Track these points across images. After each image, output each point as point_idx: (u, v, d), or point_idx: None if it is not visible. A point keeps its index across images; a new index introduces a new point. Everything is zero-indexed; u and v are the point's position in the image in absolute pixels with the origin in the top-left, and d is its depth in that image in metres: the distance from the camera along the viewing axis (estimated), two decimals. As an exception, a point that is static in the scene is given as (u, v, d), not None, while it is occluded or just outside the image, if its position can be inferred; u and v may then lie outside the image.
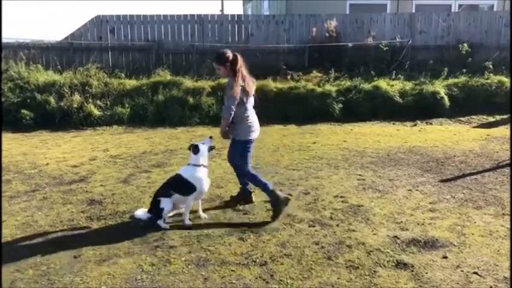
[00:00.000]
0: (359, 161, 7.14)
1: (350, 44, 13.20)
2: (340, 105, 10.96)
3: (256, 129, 5.03)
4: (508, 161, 6.99)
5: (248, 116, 4.89)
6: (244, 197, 5.26)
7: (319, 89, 11.23)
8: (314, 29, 13.45)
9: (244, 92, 4.78)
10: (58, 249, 4.08)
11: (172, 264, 3.80)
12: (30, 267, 3.77)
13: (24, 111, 10.13)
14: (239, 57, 4.78)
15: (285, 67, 12.40)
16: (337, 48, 13.08)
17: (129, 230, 4.52)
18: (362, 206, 5.15)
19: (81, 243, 4.19)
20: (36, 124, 10.03)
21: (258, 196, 5.28)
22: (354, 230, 4.47)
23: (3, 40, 12.73)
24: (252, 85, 4.93)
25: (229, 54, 4.77)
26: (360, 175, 6.35)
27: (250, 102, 4.96)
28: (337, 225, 4.60)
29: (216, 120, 10.27)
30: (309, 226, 4.59)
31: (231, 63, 4.75)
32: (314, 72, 12.25)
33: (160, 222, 4.57)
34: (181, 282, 3.53)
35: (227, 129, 4.87)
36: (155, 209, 4.61)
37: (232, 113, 4.71)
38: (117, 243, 4.21)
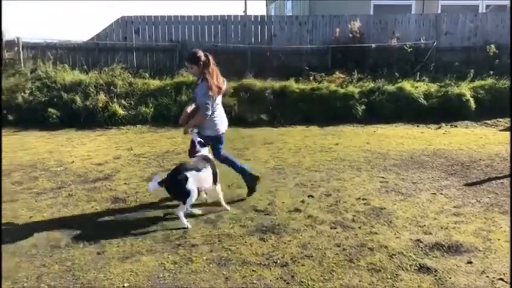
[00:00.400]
0: (382, 163, 7.06)
1: (373, 45, 13.07)
2: (363, 106, 10.87)
3: (222, 123, 5.38)
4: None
5: (215, 112, 5.18)
6: (251, 182, 5.49)
7: (341, 90, 11.15)
8: (337, 30, 13.37)
9: (219, 91, 5.12)
10: (82, 246, 4.17)
11: (193, 263, 3.84)
12: (55, 262, 3.86)
13: (51, 110, 10.35)
14: (210, 57, 5.06)
15: (307, 68, 12.36)
16: (360, 49, 12.97)
17: (151, 228, 4.58)
18: (384, 208, 5.10)
19: (105, 240, 4.26)
20: (63, 123, 10.23)
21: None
22: (376, 233, 4.43)
23: (33, 40, 13.06)
24: (223, 84, 5.25)
25: (201, 54, 5.05)
26: (382, 177, 6.29)
27: (219, 99, 5.30)
28: (359, 228, 4.56)
29: (237, 120, 10.31)
30: (331, 228, 4.57)
31: (204, 62, 5.01)
32: (337, 73, 12.17)
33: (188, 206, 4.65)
34: (202, 281, 3.56)
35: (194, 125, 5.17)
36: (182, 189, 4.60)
37: (209, 112, 5.03)
38: (140, 240, 4.28)
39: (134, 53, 13.27)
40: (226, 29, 13.62)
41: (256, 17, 14.08)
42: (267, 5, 25.64)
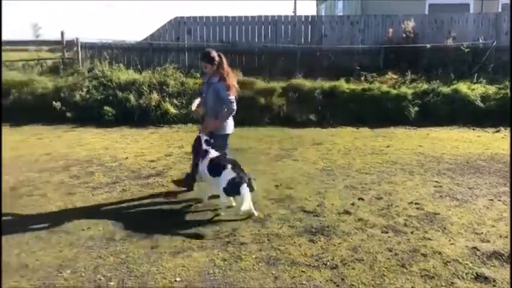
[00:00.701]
0: (435, 167, 6.84)
1: (428, 45, 12.66)
2: (416, 108, 10.55)
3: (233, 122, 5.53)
4: None
5: None
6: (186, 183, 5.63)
7: (394, 91, 10.89)
8: (390, 30, 13.08)
9: (235, 90, 5.29)
10: (136, 240, 4.30)
11: (243, 261, 3.87)
12: (111, 254, 4.01)
13: (106, 107, 10.73)
14: (223, 58, 5.24)
15: (358, 68, 12.16)
16: (414, 49, 12.61)
17: (202, 224, 4.66)
18: (438, 214, 4.93)
19: (158, 235, 4.38)
20: (117, 120, 10.58)
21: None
22: (429, 239, 4.29)
23: (91, 41, 13.62)
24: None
25: (215, 54, 5.21)
26: (436, 182, 6.08)
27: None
28: (412, 233, 4.44)
29: (286, 121, 10.31)
30: (382, 232, 4.47)
31: (218, 63, 5.19)
32: (389, 73, 11.90)
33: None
34: (252, 279, 3.58)
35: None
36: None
37: (235, 108, 5.23)
38: (191, 237, 4.36)
39: (186, 53, 13.55)
40: (276, 29, 13.64)
41: (306, 17, 14.02)
42: (317, 5, 25.47)
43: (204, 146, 5.16)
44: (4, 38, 13.95)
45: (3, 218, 4.80)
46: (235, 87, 5.27)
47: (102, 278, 3.61)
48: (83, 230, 4.55)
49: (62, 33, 13.28)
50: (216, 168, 4.88)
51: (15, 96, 11.06)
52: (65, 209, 5.14)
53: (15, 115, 10.44)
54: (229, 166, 4.80)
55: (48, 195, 5.58)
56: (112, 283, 3.53)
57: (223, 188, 4.71)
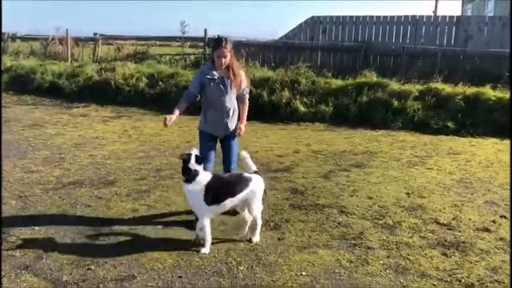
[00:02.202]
0: None
1: None
2: None
3: None
4: None
5: None
6: None
7: (548, 102, 9.68)
8: (550, 33, 11.64)
9: None
10: (266, 229, 4.47)
11: (369, 265, 3.80)
12: (241, 241, 4.22)
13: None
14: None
15: (507, 74, 11.04)
16: None
17: (327, 224, 4.66)
18: None
19: (285, 228, 4.50)
20: (249, 115, 10.99)
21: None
22: None
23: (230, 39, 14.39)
24: None
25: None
26: None
27: None
28: None
29: (420, 126, 9.78)
30: (527, 255, 4.03)
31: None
32: (544, 82, 10.60)
33: None
34: (378, 284, 3.50)
35: None
36: None
37: None
38: (317, 234, 4.40)
39: (319, 52, 13.61)
40: (416, 30, 13.04)
41: (451, 17, 13.16)
42: (462, 5, 23.67)
43: (192, 163, 4.01)
44: (155, 34, 15.44)
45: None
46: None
47: (233, 261, 3.82)
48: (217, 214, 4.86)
49: (205, 31, 14.25)
50: None
51: (161, 86, 12.16)
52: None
53: (161, 104, 11.51)
54: None
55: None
56: (241, 267, 3.72)
57: None
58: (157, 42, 20.70)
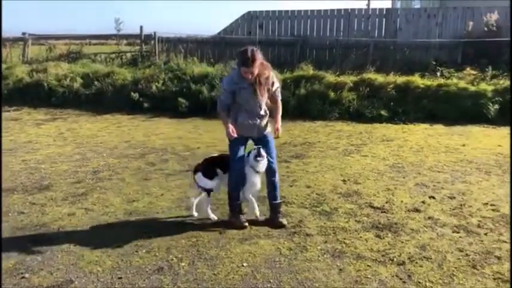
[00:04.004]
0: (516, 168, 6.46)
1: (513, 40, 11.88)
2: (497, 106, 9.95)
3: None
4: None
5: None
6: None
7: (472, 88, 10.34)
8: (470, 23, 12.44)
9: None
10: (207, 225, 4.50)
11: (308, 252, 3.93)
12: (182, 238, 4.22)
13: (180, 99, 11.14)
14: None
15: (434, 63, 11.69)
16: (496, 44, 11.88)
17: (267, 214, 4.75)
18: (517, 216, 4.68)
19: (226, 222, 4.54)
20: (190, 111, 10.96)
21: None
22: (504, 241, 4.10)
23: (167, 35, 14.21)
24: None
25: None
26: (515, 183, 5.76)
27: None
28: (485, 234, 4.26)
29: (356, 116, 10.15)
30: (453, 232, 4.33)
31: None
32: (468, 69, 11.30)
33: None
34: (316, 269, 3.63)
35: None
36: None
37: None
38: (258, 225, 4.47)
39: (257, 47, 13.73)
40: (349, 23, 13.45)
41: (381, 10, 13.69)
42: (392, -2, 24.69)
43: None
44: (89, 32, 14.93)
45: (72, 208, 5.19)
46: None
47: (174, 258, 3.82)
48: (157, 213, 4.83)
49: (141, 28, 13.97)
50: None
51: (97, 86, 11.80)
52: (141, 193, 5.46)
53: (98, 104, 11.21)
54: None
55: (126, 179, 5.96)
56: (183, 263, 3.73)
57: None
58: (92, 41, 20.04)
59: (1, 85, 12.07)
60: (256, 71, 4.24)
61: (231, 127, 4.29)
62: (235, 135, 4.29)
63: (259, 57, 4.26)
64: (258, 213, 4.60)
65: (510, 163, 6.59)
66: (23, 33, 16.24)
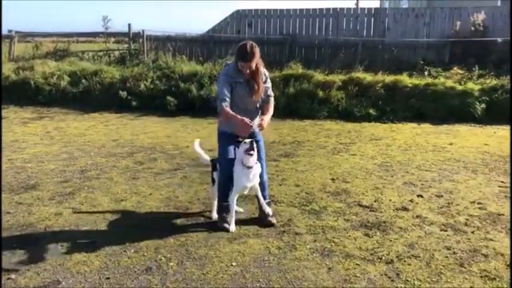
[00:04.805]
0: (502, 166, 6.53)
1: (500, 40, 12.03)
2: (483, 105, 10.06)
3: None
4: None
5: None
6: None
7: (459, 87, 10.44)
8: (458, 23, 12.57)
9: None
10: (195, 224, 4.48)
11: (297, 250, 3.93)
12: (171, 237, 4.19)
13: (169, 97, 11.09)
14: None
15: (422, 62, 11.79)
16: (483, 43, 12.03)
17: (257, 213, 4.75)
18: (503, 215, 4.73)
19: (215, 221, 4.52)
20: (179, 110, 10.91)
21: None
22: (491, 239, 4.14)
23: (155, 33, 14.12)
24: None
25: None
26: (502, 182, 5.82)
27: None
28: (473, 232, 4.30)
29: (345, 115, 10.19)
30: (440, 230, 4.36)
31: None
32: (455, 68, 11.42)
33: None
34: (306, 268, 3.63)
35: None
36: None
37: None
38: (247, 224, 4.47)
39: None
40: (338, 22, 13.50)
41: (370, 9, 13.77)
42: (381, -2, 24.84)
43: None
44: (76, 30, 14.79)
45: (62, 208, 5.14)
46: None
47: (162, 258, 3.80)
48: (146, 212, 4.80)
49: (129, 26, 13.87)
50: None
51: (85, 84, 11.69)
52: (130, 192, 5.42)
53: (85, 102, 11.10)
54: None
55: (114, 178, 5.91)
56: (171, 263, 3.71)
57: None
58: (80, 39, 19.82)
59: (1, 85, 11.91)
60: (254, 66, 4.20)
61: (244, 118, 4.08)
62: (251, 124, 4.14)
63: (258, 53, 4.20)
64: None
65: (510, 163, 6.60)
66: (9, 31, 16.02)
